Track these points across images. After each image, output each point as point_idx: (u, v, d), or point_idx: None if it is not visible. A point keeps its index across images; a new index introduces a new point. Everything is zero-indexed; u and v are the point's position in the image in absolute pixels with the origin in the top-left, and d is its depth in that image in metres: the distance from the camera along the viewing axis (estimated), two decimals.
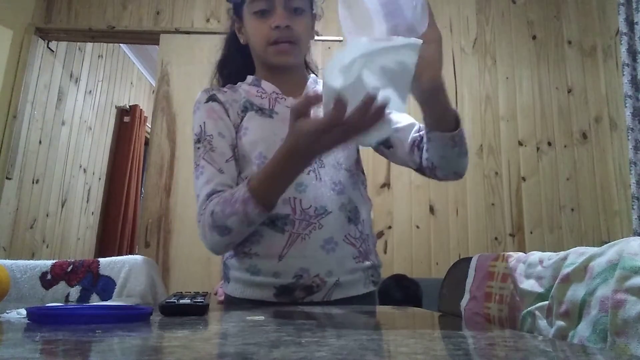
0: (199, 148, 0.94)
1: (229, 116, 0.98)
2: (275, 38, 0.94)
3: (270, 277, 0.91)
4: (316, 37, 1.10)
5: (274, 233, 0.91)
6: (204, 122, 0.96)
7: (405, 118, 0.98)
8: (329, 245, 0.91)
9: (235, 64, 1.08)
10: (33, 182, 3.12)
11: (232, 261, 0.96)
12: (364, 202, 1.00)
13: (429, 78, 0.72)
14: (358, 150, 1.02)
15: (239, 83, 1.05)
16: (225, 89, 1.03)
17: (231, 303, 0.96)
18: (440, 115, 0.81)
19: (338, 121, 0.65)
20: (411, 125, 0.97)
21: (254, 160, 0.94)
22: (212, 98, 0.99)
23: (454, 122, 0.82)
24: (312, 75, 1.09)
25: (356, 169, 1.00)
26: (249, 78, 1.04)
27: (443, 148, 0.85)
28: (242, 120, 0.98)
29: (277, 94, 1.01)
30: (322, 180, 0.93)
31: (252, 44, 1.01)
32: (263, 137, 0.95)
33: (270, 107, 0.99)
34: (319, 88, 1.05)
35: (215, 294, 1.11)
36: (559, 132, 2.97)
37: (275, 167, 0.80)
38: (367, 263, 0.96)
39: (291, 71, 1.03)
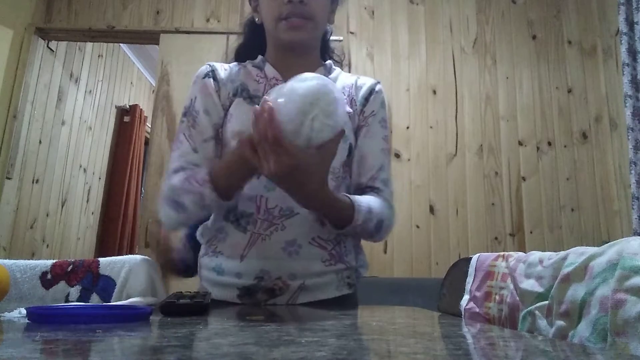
0: (182, 122, 0.95)
1: (219, 96, 0.96)
2: (287, 13, 0.89)
3: (233, 278, 0.89)
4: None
5: (237, 232, 0.90)
6: (195, 97, 0.96)
7: (374, 156, 0.97)
8: (291, 247, 0.88)
9: (250, 47, 1.04)
10: (33, 182, 3.12)
11: (203, 259, 0.96)
12: None
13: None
14: (349, 154, 0.95)
15: (247, 61, 1.01)
16: (227, 67, 1.00)
17: None
18: (328, 217, 0.87)
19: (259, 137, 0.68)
20: (370, 167, 0.96)
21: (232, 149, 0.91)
22: (210, 74, 0.97)
23: (350, 218, 0.85)
24: (329, 61, 1.02)
25: (343, 172, 0.94)
26: (258, 58, 1.00)
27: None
28: (230, 104, 0.95)
29: (276, 79, 0.96)
30: None
31: (264, 21, 0.96)
32: (244, 129, 0.89)
33: (263, 93, 0.94)
34: (336, 76, 1.01)
35: None
36: (559, 132, 2.97)
37: (230, 163, 0.82)
38: (340, 265, 0.92)
39: (303, 53, 0.97)
